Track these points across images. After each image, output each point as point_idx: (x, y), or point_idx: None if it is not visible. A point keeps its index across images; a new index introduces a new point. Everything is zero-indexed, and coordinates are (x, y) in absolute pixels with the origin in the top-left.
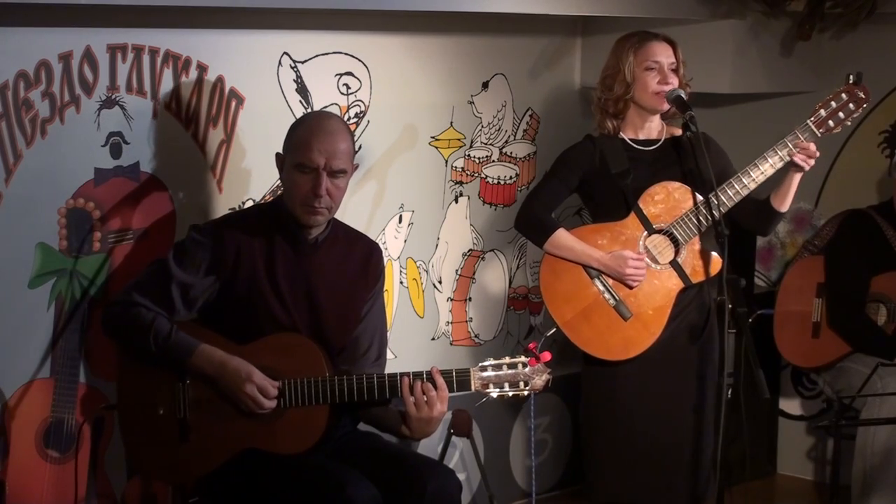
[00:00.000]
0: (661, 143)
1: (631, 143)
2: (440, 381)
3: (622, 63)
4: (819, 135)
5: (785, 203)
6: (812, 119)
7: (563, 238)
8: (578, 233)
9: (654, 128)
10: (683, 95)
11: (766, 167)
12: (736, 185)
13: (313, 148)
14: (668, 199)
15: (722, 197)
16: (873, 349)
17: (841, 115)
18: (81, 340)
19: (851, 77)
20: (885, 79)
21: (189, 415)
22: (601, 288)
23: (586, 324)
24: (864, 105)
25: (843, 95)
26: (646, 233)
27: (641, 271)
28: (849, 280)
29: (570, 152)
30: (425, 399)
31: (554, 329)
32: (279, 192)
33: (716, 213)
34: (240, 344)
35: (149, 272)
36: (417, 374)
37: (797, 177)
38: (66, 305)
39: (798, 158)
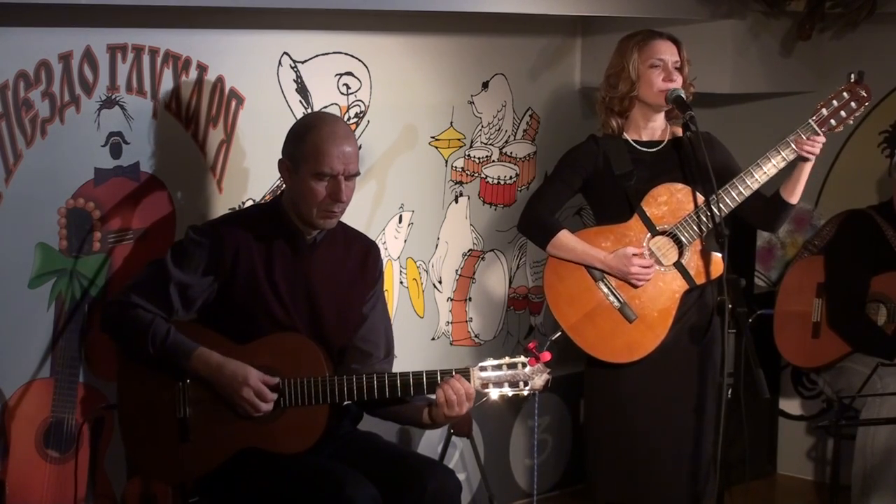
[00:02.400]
0: (664, 144)
1: (634, 143)
2: (465, 381)
3: (626, 61)
4: (821, 133)
5: (795, 194)
6: (814, 118)
7: (565, 239)
8: (582, 235)
9: (657, 129)
10: (683, 95)
11: (769, 167)
12: (739, 186)
13: (333, 155)
14: (672, 200)
15: (725, 198)
16: (873, 349)
17: (843, 113)
18: (81, 340)
19: (853, 76)
20: (886, 79)
21: (189, 414)
22: (605, 290)
23: (591, 327)
24: (866, 103)
25: (845, 94)
26: (649, 234)
27: (647, 270)
28: (849, 280)
29: (574, 153)
30: (455, 399)
31: (559, 333)
32: (279, 192)
33: (716, 213)
34: (239, 344)
35: (147, 272)
36: (446, 372)
37: (807, 167)
38: (66, 305)
39: (804, 151)
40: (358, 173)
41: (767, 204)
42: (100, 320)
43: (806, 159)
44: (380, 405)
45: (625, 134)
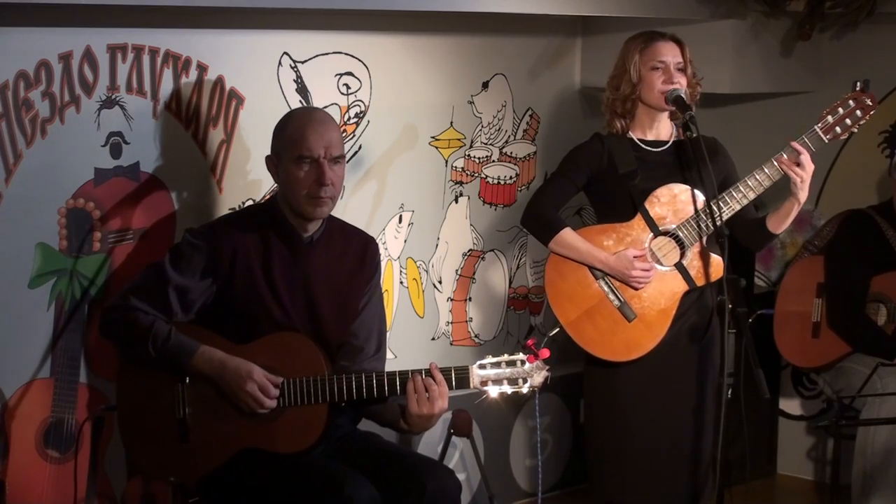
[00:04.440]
0: (669, 144)
1: (639, 142)
2: (439, 376)
3: (628, 63)
4: (826, 140)
5: (780, 226)
6: (819, 125)
7: (568, 237)
8: (584, 233)
9: (663, 129)
10: (683, 95)
11: (772, 171)
12: (742, 189)
13: (310, 139)
14: (674, 201)
15: (728, 200)
16: (873, 349)
17: (848, 121)
18: (81, 340)
19: (859, 84)
20: (886, 79)
21: (189, 415)
22: (606, 289)
23: (590, 324)
24: (872, 112)
25: (851, 102)
26: (651, 234)
27: (647, 273)
28: (849, 280)
29: (579, 151)
30: (427, 395)
31: (557, 328)
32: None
33: (717, 214)
34: (239, 344)
35: (145, 276)
36: (416, 372)
37: (796, 205)
38: (66, 305)
39: (790, 172)
40: (343, 156)
41: (755, 227)
42: (99, 325)
43: (796, 196)
44: (366, 404)
45: (630, 133)
